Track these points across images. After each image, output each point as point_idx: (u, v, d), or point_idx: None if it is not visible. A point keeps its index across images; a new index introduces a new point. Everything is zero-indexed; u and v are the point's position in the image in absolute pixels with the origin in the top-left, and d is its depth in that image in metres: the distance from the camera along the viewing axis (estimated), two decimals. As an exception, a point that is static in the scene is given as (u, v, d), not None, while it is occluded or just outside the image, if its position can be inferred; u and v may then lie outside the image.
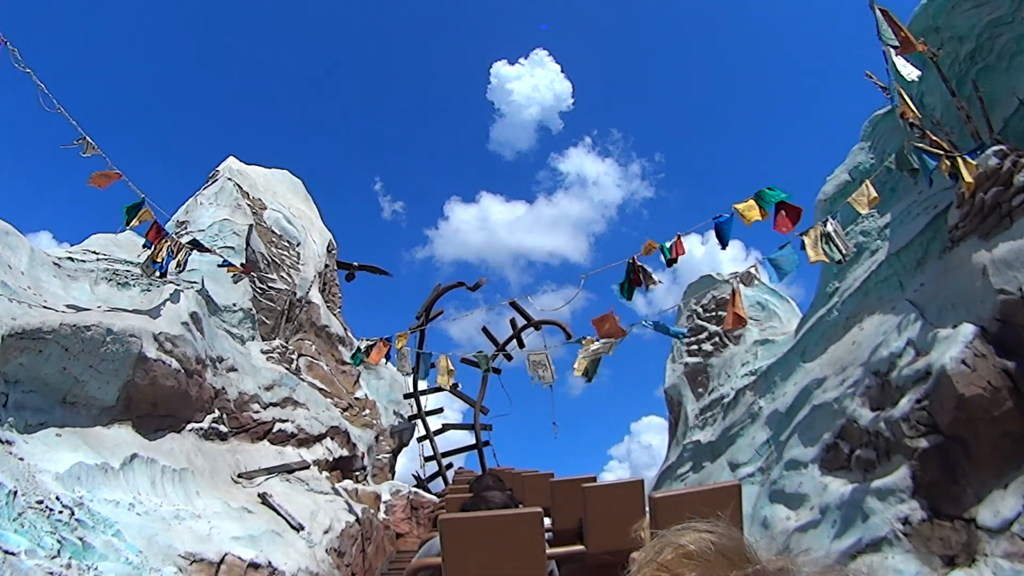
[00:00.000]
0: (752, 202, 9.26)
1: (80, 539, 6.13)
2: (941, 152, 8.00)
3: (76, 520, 6.29)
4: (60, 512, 6.14)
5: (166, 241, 10.12)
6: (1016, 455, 6.75)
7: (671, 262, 10.11)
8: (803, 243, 9.01)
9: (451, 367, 12.68)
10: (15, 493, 5.80)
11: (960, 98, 9.31)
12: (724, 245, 9.74)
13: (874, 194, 8.77)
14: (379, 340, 12.62)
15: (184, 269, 10.68)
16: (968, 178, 7.58)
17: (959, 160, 7.75)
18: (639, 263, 10.10)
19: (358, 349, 13.28)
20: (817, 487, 9.40)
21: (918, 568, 7.00)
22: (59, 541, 5.83)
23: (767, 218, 9.17)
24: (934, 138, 8.23)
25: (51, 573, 5.43)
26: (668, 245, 9.98)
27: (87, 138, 9.23)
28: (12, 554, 5.20)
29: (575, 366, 10.63)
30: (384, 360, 13.48)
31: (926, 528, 7.24)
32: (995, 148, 7.88)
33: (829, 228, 8.92)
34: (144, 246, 10.09)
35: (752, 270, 10.12)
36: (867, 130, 12.13)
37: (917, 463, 7.55)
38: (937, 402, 7.45)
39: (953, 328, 7.66)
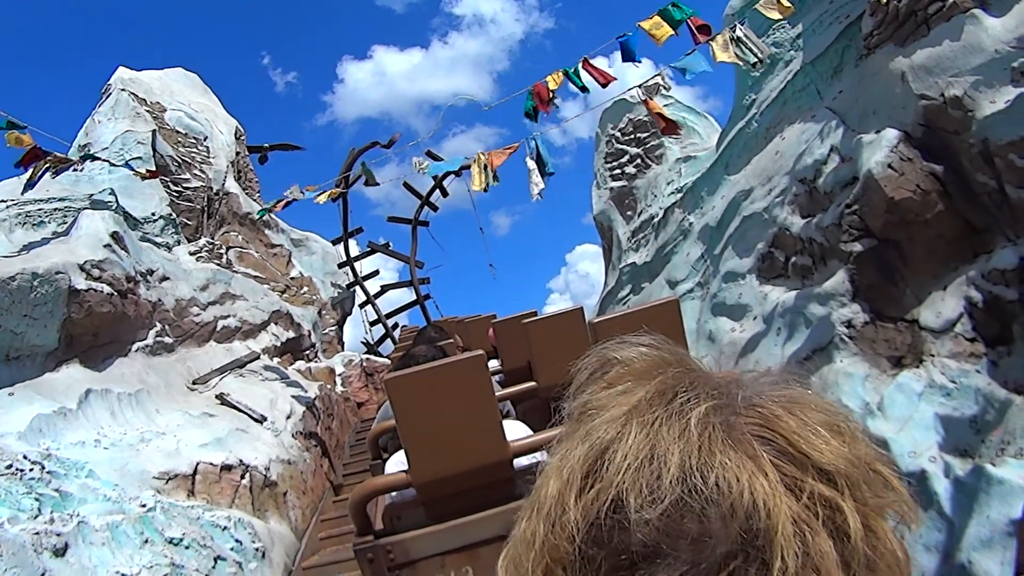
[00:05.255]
0: (658, 19, 9.08)
1: (56, 490, 6.11)
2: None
3: (48, 473, 6.24)
4: (31, 469, 6.08)
5: (46, 161, 9.77)
6: (951, 257, 6.97)
7: (598, 86, 9.86)
8: (711, 48, 8.90)
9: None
10: (-18, 466, 5.72)
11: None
12: (632, 60, 9.60)
13: (787, 3, 8.64)
14: (280, 199, 12.36)
15: (58, 173, 10.23)
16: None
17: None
18: (542, 85, 9.90)
19: (264, 208, 13.01)
20: (757, 297, 9.64)
21: (867, 371, 7.30)
22: (37, 499, 5.80)
23: (678, 34, 9.03)
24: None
25: (37, 533, 5.42)
26: (572, 71, 9.80)
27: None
28: (-4, 527, 5.17)
29: (471, 181, 10.43)
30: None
31: (870, 330, 7.51)
32: (906, -46, 7.76)
33: (739, 32, 8.80)
34: (16, 165, 9.75)
35: (659, 79, 9.98)
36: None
37: (854, 267, 7.75)
38: (867, 206, 7.58)
39: (876, 133, 7.72)
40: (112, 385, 8.34)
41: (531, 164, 9.94)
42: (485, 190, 10.24)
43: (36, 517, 5.62)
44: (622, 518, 0.61)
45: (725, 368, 0.78)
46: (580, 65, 9.74)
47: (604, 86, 9.84)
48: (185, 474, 7.75)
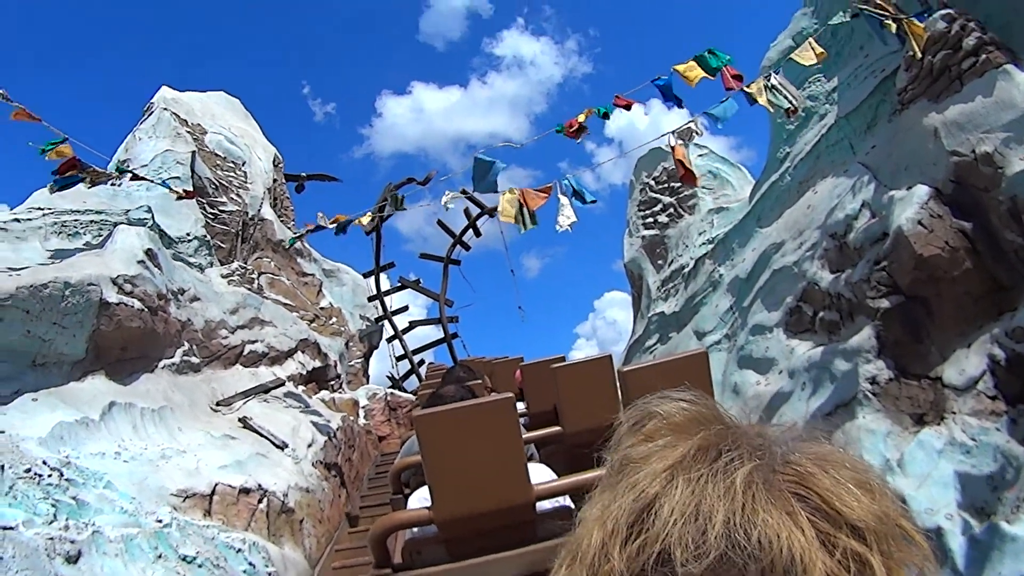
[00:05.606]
0: (693, 63, 9.16)
1: (73, 498, 6.14)
2: (887, 15, 7.93)
3: (66, 480, 6.28)
4: (49, 476, 6.13)
5: (84, 172, 9.94)
6: (977, 314, 6.92)
7: (611, 113, 9.90)
8: (746, 95, 8.92)
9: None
10: (2, 467, 5.75)
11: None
12: (676, 104, 9.66)
13: (820, 49, 8.67)
14: (306, 228, 12.54)
15: (94, 184, 10.38)
16: (916, 42, 7.52)
17: (906, 23, 7.68)
18: (575, 120, 9.98)
19: (295, 237, 13.22)
20: (784, 351, 9.59)
21: (889, 427, 7.23)
22: (53, 505, 5.84)
23: (713, 78, 9.08)
24: (879, 1, 8.12)
25: (51, 539, 5.45)
26: (603, 110, 9.89)
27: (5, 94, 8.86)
28: (10, 528, 5.19)
29: (500, 211, 10.23)
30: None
31: (894, 387, 7.45)
32: (942, 12, 7.77)
33: (774, 81, 8.83)
34: (52, 173, 9.81)
35: (692, 126, 10.01)
36: (810, -6, 11.88)
37: (880, 323, 7.70)
38: (896, 263, 7.56)
39: (907, 190, 7.71)
40: (136, 400, 8.41)
41: (564, 200, 9.92)
42: (524, 229, 10.15)
43: (51, 523, 5.65)
44: (667, 571, 0.64)
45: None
46: (612, 103, 9.86)
47: (627, 108, 9.90)
48: (203, 493, 7.76)
